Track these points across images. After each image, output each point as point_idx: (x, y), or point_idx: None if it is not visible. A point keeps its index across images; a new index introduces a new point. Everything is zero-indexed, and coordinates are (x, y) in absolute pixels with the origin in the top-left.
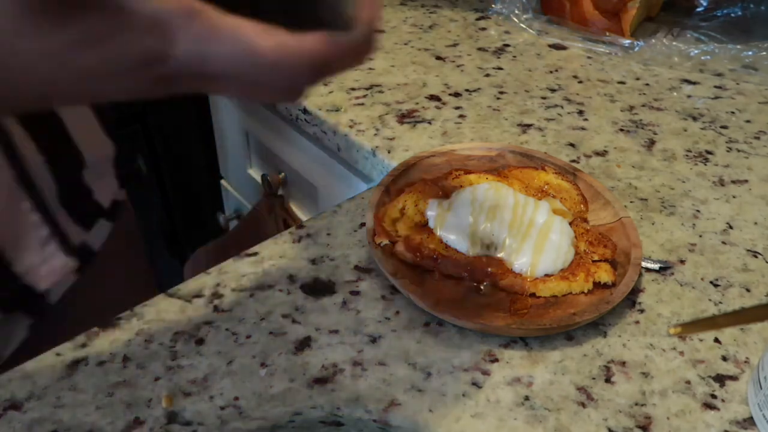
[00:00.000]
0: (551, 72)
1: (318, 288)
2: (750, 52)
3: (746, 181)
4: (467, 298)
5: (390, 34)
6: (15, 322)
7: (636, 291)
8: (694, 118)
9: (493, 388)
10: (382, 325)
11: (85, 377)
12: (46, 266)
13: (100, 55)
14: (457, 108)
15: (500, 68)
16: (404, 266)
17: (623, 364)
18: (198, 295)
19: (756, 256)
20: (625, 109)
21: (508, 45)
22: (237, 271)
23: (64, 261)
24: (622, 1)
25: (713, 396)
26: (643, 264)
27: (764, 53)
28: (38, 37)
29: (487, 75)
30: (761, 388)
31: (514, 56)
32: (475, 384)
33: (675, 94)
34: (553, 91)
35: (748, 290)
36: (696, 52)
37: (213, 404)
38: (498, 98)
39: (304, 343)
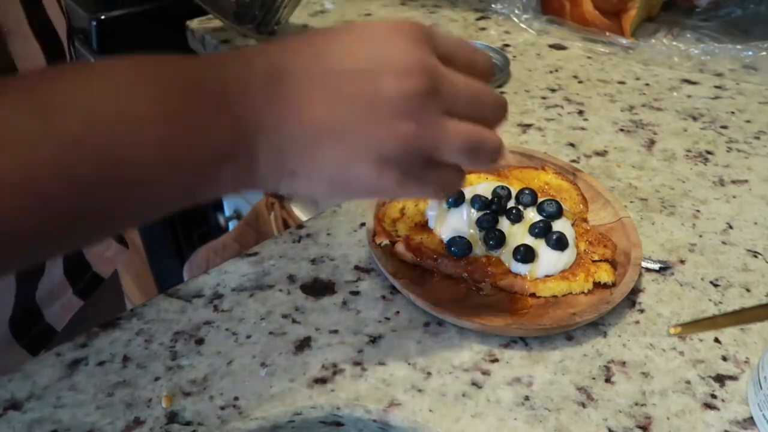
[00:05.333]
0: (551, 72)
1: (318, 288)
2: (750, 52)
3: (746, 181)
4: (467, 298)
5: None
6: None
7: (636, 291)
8: (694, 118)
9: (493, 388)
10: (382, 325)
11: (85, 377)
12: (109, 252)
13: None
14: None
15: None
16: (404, 266)
17: (623, 364)
18: (198, 295)
19: (756, 256)
20: (625, 109)
21: (508, 45)
22: (237, 271)
23: (118, 248)
24: (622, 1)
25: (713, 396)
26: (643, 264)
27: (764, 53)
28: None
29: None
30: (761, 388)
31: (514, 56)
32: (475, 384)
33: (675, 94)
34: (553, 91)
35: (748, 290)
36: (696, 52)
37: (213, 404)
38: None
39: (304, 343)
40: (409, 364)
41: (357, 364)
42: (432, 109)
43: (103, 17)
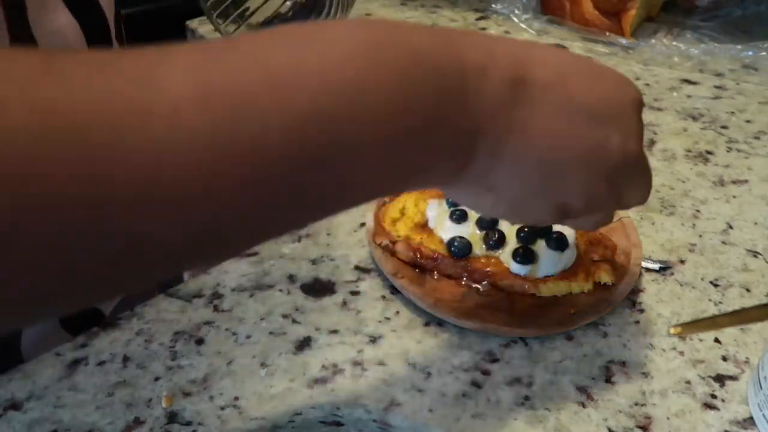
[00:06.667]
0: None
1: (318, 288)
2: (750, 52)
3: (746, 181)
4: (467, 298)
5: None
6: None
7: (636, 291)
8: (694, 118)
9: (493, 388)
10: (382, 325)
11: (85, 377)
12: None
13: None
14: None
15: None
16: (404, 266)
17: (623, 364)
18: (198, 295)
19: (756, 256)
20: None
21: None
22: (237, 271)
23: None
24: (622, 1)
25: (713, 396)
26: (643, 264)
27: (764, 53)
28: None
29: None
30: (761, 388)
31: None
32: (475, 384)
33: (675, 94)
34: None
35: (748, 290)
36: (696, 52)
37: (213, 404)
38: None
39: (304, 343)
40: (409, 364)
41: (357, 364)
42: (620, 181)
43: None
